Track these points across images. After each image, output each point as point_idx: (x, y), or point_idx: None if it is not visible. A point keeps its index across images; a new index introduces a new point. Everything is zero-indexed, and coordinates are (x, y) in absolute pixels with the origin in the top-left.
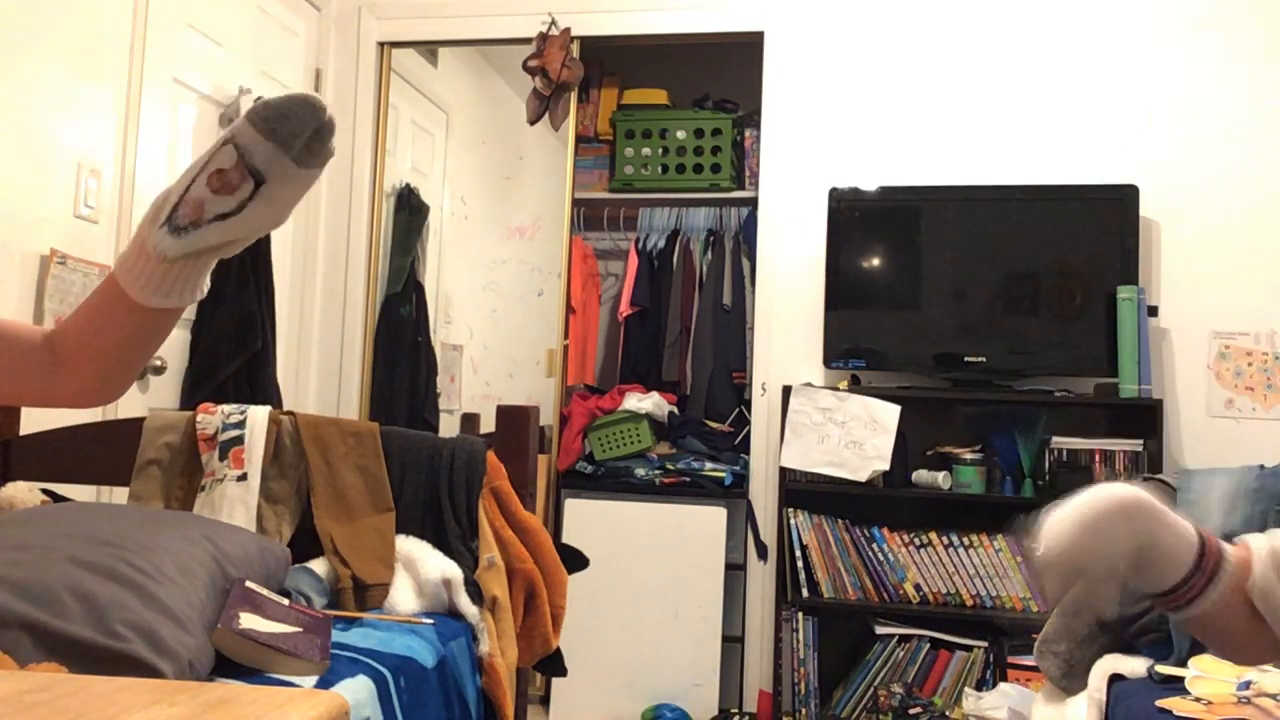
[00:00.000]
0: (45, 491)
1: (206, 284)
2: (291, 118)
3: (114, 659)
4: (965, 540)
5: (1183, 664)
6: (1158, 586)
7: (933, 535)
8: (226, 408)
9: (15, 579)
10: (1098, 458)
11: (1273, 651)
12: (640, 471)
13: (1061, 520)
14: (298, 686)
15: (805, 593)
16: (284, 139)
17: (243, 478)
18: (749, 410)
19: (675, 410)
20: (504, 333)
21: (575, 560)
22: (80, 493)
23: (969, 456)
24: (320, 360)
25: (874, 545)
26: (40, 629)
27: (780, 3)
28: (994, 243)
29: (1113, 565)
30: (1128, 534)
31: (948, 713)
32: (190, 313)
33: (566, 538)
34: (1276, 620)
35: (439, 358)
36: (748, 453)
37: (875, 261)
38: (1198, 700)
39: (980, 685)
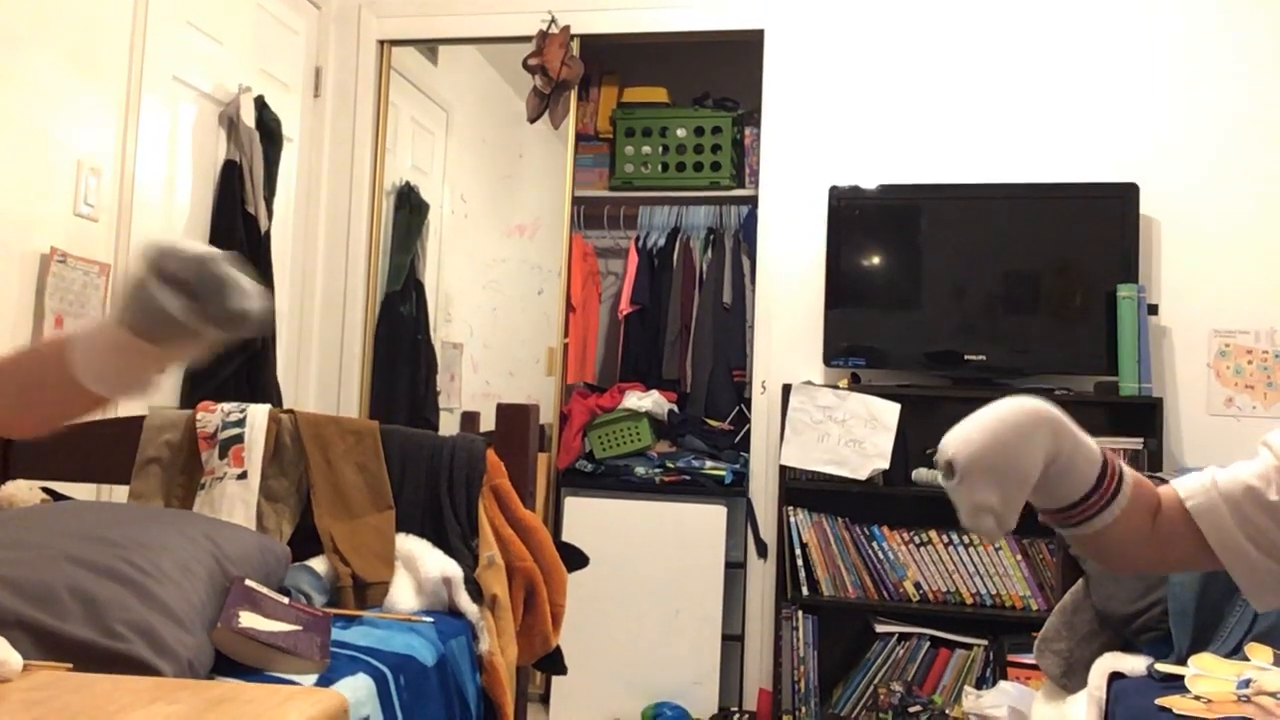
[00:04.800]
0: (45, 490)
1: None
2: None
3: (114, 658)
4: (965, 538)
5: (1183, 662)
6: (1060, 501)
7: (933, 533)
8: (226, 406)
9: (14, 578)
10: None
11: (1180, 567)
12: (640, 470)
13: (978, 427)
14: (298, 685)
15: (805, 591)
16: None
17: (243, 476)
18: (749, 408)
19: (675, 409)
20: (504, 331)
21: (575, 559)
22: (80, 491)
23: None
24: (320, 358)
25: (874, 543)
26: (39, 628)
27: (780, 1)
28: (994, 241)
29: (1027, 473)
30: (1042, 440)
31: (948, 711)
32: None
33: (566, 536)
34: (1224, 547)
35: (439, 356)
36: (748, 451)
37: (875, 260)
38: (1198, 698)
39: (980, 683)
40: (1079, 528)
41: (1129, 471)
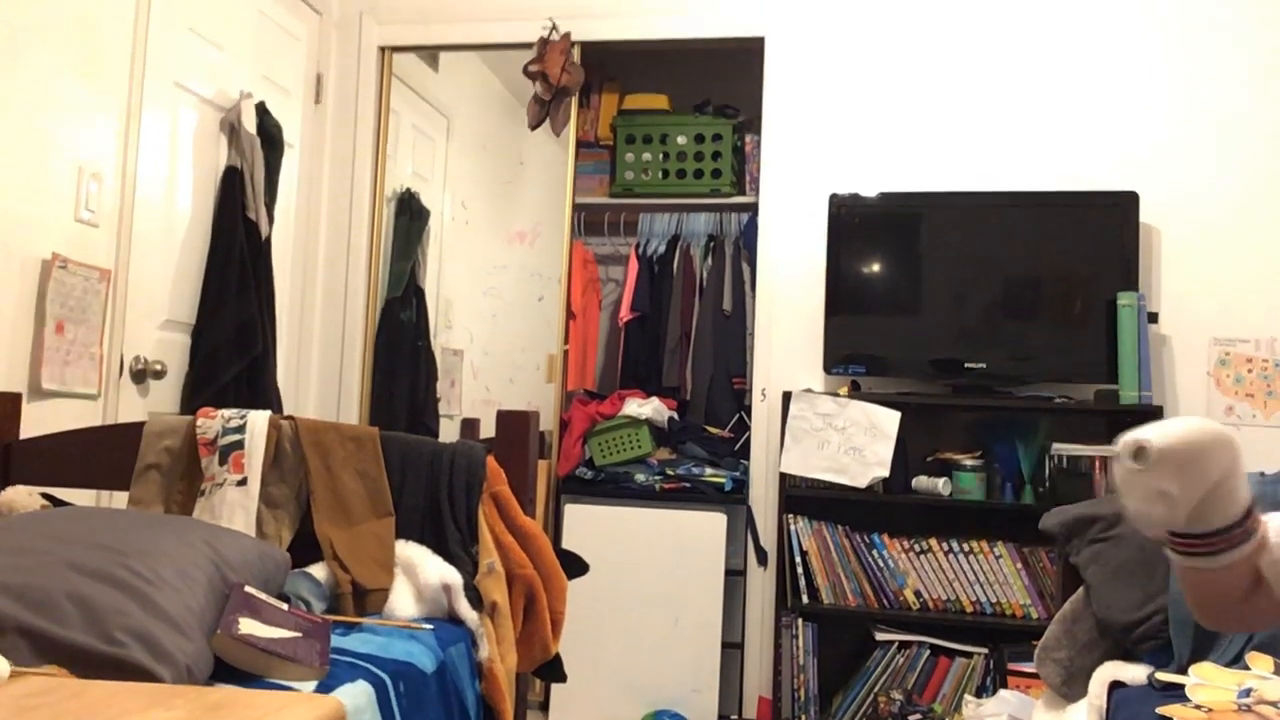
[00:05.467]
0: (45, 496)
1: None
2: None
3: (112, 665)
4: (965, 547)
5: (1183, 671)
6: (1205, 525)
7: (933, 541)
8: (226, 412)
9: (13, 584)
10: (1098, 465)
11: (1260, 624)
12: (640, 477)
13: (1177, 425)
14: (297, 691)
15: (805, 599)
16: None
17: (242, 482)
18: (749, 416)
19: (675, 416)
20: (504, 338)
21: (575, 566)
22: (80, 497)
23: (969, 463)
24: (320, 365)
25: (874, 551)
26: (38, 635)
27: (781, 8)
28: (994, 249)
29: (1209, 476)
30: (1226, 456)
31: (947, 719)
32: (191, 316)
33: (566, 543)
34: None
35: (439, 363)
36: (748, 458)
37: (875, 267)
38: (1198, 707)
39: (980, 692)
40: (1202, 560)
41: (1267, 522)
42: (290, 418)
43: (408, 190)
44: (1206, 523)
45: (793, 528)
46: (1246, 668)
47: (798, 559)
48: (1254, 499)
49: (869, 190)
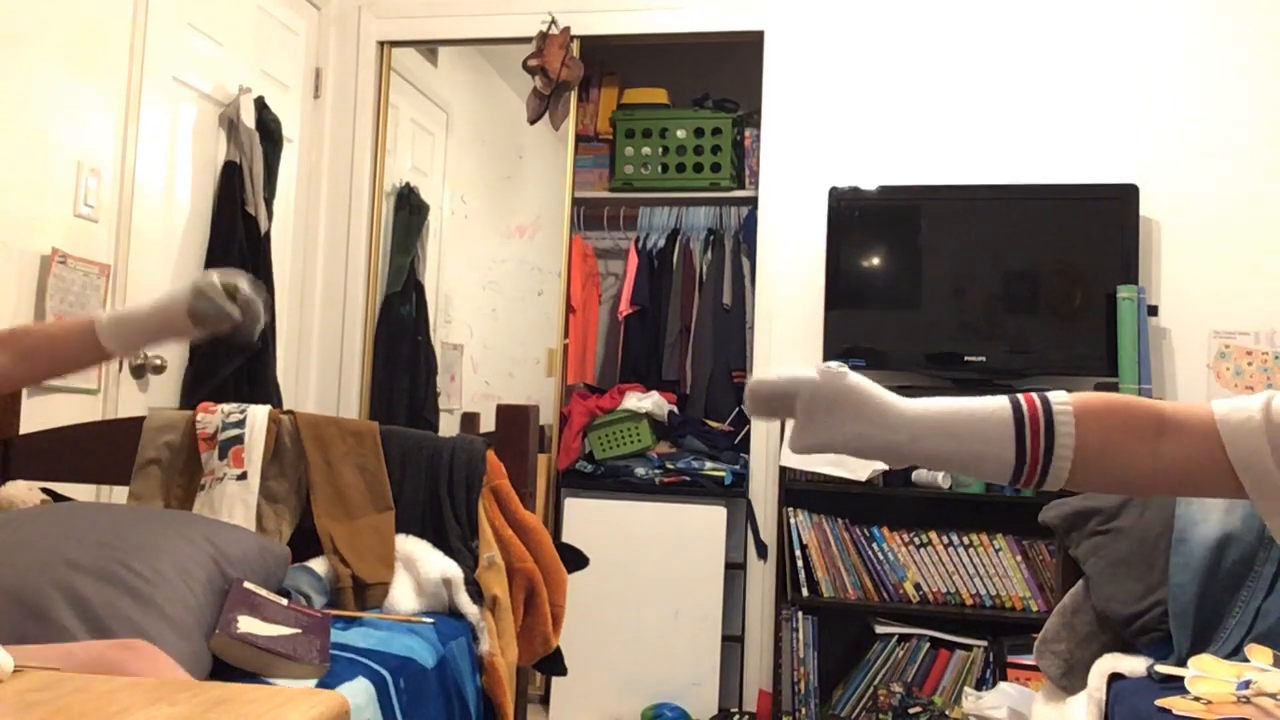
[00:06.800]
0: (45, 490)
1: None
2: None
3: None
4: (965, 540)
5: (1182, 664)
6: (992, 479)
7: (932, 535)
8: (226, 407)
9: (10, 582)
10: None
11: (1180, 488)
12: (640, 471)
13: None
14: (300, 687)
15: (805, 592)
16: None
17: (242, 477)
18: None
19: (675, 409)
20: (504, 332)
21: (575, 559)
22: (80, 492)
23: None
24: (320, 359)
25: (874, 545)
26: (33, 634)
27: (780, 2)
28: (994, 242)
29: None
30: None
31: (947, 712)
32: None
33: (566, 537)
34: (1246, 466)
35: (439, 357)
36: (748, 452)
37: (875, 261)
38: (1197, 699)
39: (980, 684)
40: (1042, 485)
41: (1065, 407)
42: (290, 412)
43: (407, 185)
44: (989, 478)
45: (793, 521)
46: (1246, 660)
47: (798, 552)
48: (1014, 408)
49: (869, 184)
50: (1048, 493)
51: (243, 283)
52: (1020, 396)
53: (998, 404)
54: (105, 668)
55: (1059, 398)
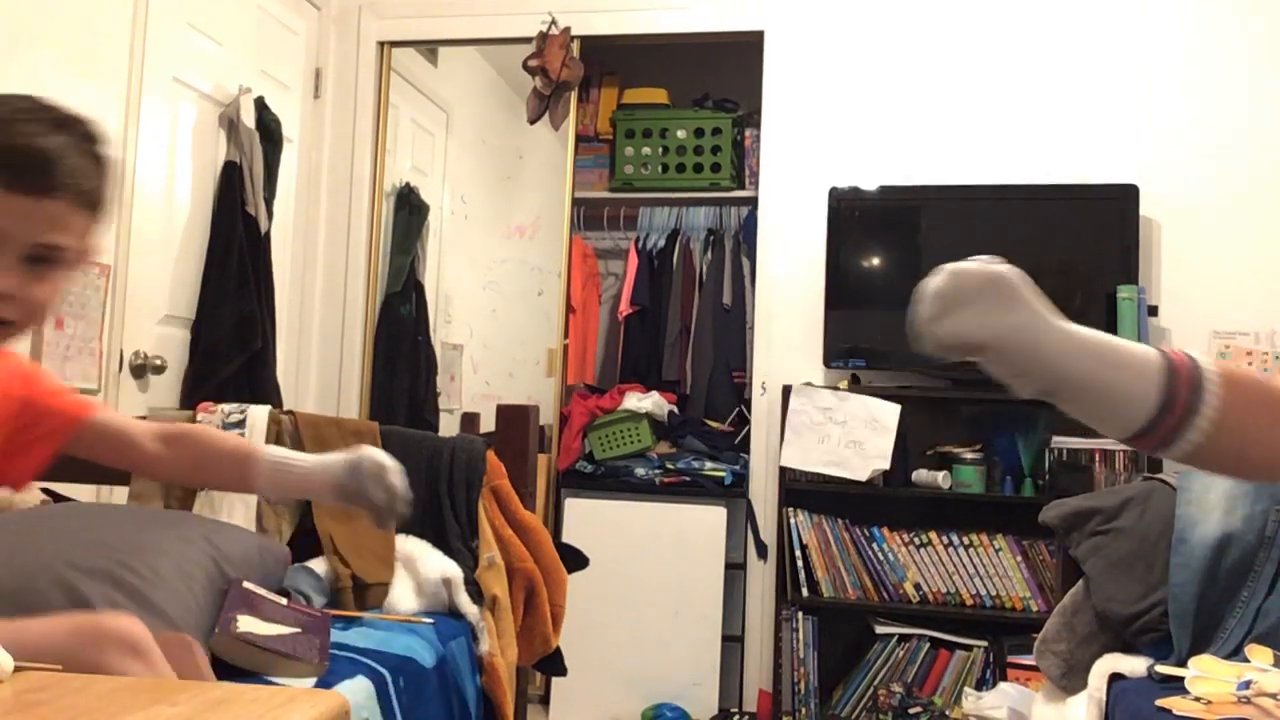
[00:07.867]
0: (45, 490)
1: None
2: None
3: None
4: (965, 540)
5: (1183, 664)
6: (1113, 431)
7: (933, 535)
8: (226, 407)
9: (8, 582)
10: (1098, 457)
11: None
12: (640, 471)
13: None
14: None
15: (805, 592)
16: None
17: None
18: (749, 410)
19: (675, 410)
20: (504, 332)
21: (575, 559)
22: (81, 492)
23: (969, 456)
24: (320, 359)
25: (874, 545)
26: None
27: (780, 2)
28: (994, 242)
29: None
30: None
31: (948, 712)
32: (190, 311)
33: (566, 537)
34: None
35: (439, 357)
36: (748, 452)
37: (875, 261)
38: (1197, 700)
39: (980, 685)
40: (1169, 450)
41: (1213, 370)
42: (290, 412)
43: (407, 185)
44: (1110, 430)
45: (793, 521)
46: (1246, 660)
47: (798, 552)
48: (1166, 366)
49: (869, 184)
50: (1048, 493)
51: (394, 476)
52: (1165, 347)
53: (1145, 347)
54: (86, 637)
55: (1205, 360)
